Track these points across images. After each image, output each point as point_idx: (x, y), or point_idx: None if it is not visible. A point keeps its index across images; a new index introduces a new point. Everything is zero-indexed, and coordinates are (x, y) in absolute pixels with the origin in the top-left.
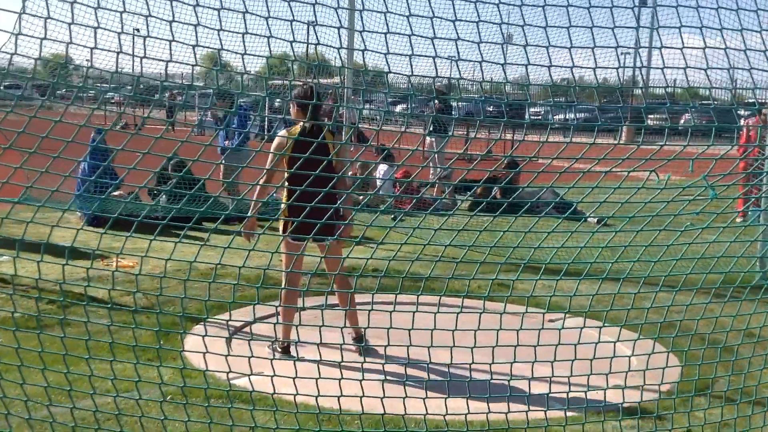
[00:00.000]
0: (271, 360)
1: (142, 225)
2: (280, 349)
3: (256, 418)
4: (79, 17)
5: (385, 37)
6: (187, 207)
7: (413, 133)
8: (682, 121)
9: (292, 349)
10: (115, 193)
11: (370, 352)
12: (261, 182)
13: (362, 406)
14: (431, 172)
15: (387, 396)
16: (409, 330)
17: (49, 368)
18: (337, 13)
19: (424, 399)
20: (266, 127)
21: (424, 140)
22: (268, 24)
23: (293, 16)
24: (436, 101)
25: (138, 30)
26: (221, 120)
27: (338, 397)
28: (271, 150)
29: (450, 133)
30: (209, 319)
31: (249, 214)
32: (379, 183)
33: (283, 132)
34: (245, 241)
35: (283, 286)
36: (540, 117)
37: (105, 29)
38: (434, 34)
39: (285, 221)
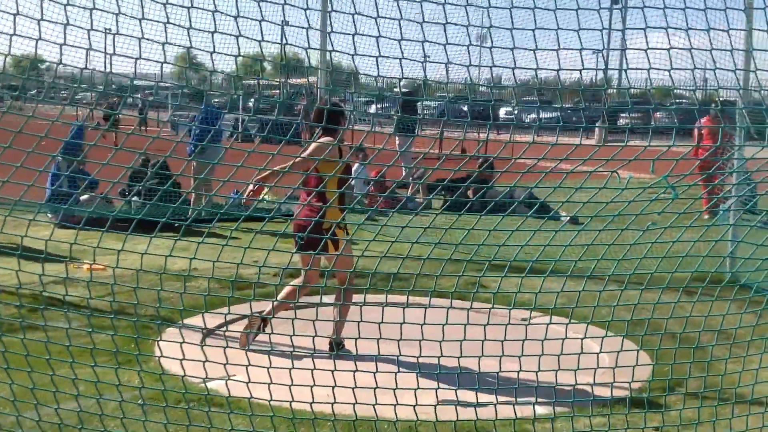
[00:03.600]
0: (246, 353)
1: (114, 227)
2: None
3: (215, 420)
4: (48, 14)
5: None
6: (161, 207)
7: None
8: (653, 121)
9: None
10: (84, 197)
11: (341, 350)
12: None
13: (334, 397)
14: (403, 171)
15: (359, 388)
16: (379, 324)
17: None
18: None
19: (394, 392)
20: (239, 126)
21: (394, 139)
22: (237, 24)
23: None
24: (400, 101)
25: (109, 29)
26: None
27: (311, 387)
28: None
29: (415, 133)
30: (183, 323)
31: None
32: (353, 182)
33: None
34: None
35: (302, 284)
36: (513, 117)
37: (73, 26)
38: (401, 35)
39: (338, 225)
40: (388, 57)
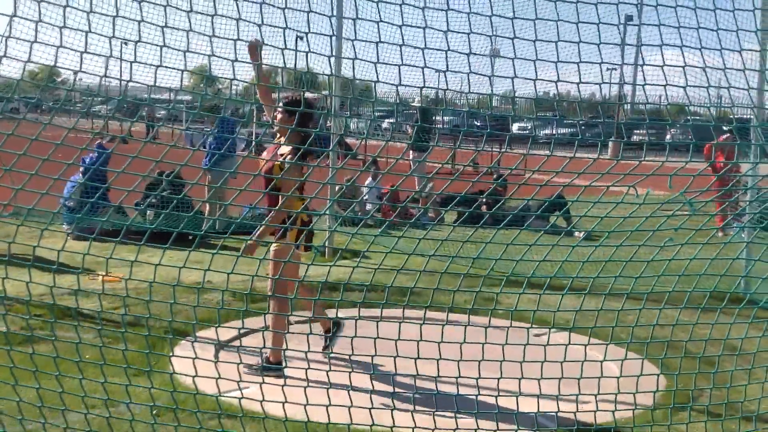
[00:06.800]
0: (261, 374)
1: (128, 239)
2: (272, 360)
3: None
4: (68, 35)
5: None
6: (173, 221)
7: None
8: (667, 137)
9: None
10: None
11: (357, 367)
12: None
13: (350, 416)
14: (417, 184)
15: (375, 407)
16: (396, 340)
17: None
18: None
19: (412, 412)
20: (254, 140)
21: (408, 153)
22: (261, 31)
23: (286, 29)
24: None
25: (126, 43)
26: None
27: (326, 407)
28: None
29: (431, 148)
30: (196, 335)
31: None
32: (366, 195)
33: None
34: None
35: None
36: (527, 131)
37: (92, 54)
38: (425, 44)
39: (298, 231)
40: (407, 86)
